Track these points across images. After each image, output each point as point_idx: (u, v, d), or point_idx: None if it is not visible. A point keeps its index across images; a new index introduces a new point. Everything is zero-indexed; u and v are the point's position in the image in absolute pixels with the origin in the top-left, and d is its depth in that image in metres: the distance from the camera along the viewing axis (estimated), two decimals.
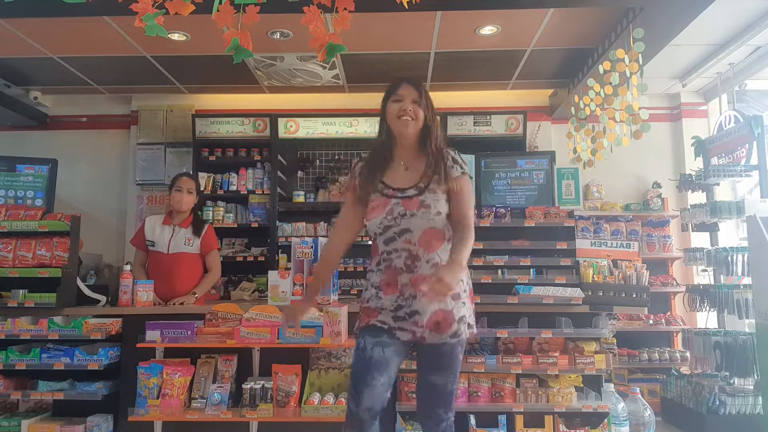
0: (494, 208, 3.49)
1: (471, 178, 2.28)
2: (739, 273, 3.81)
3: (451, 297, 2.03)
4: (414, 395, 3.13)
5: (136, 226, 5.13)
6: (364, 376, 2.02)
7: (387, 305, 2.07)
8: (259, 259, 5.14)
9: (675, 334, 4.84)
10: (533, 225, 3.40)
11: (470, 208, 2.17)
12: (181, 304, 3.44)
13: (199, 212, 3.99)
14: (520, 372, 3.13)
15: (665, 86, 5.32)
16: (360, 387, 2.02)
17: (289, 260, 3.35)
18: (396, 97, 2.16)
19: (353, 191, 2.20)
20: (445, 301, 2.02)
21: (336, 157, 5.68)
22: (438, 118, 2.22)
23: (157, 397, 2.95)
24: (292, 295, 3.18)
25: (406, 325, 2.04)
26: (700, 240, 4.82)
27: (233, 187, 5.26)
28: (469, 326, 2.10)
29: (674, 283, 4.99)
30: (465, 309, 2.09)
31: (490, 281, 3.30)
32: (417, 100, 2.15)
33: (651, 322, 4.77)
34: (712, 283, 4.16)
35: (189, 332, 3.08)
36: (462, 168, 2.17)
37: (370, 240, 2.22)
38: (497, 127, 5.29)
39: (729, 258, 3.87)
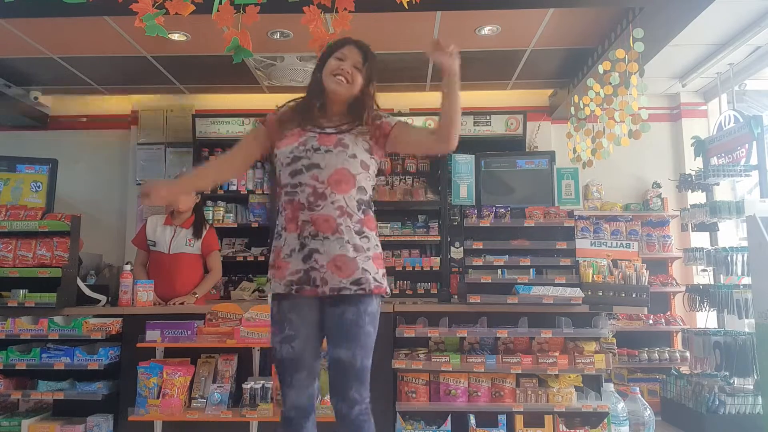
0: (494, 208, 3.48)
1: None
2: (739, 273, 3.81)
3: (353, 248, 1.93)
4: (413, 394, 3.15)
5: (136, 226, 5.13)
6: (282, 378, 1.99)
7: (292, 243, 1.95)
8: (259, 259, 5.13)
9: (675, 334, 4.85)
10: (533, 225, 3.40)
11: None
12: (182, 304, 3.45)
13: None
14: (519, 372, 3.13)
15: (665, 86, 5.32)
16: (282, 388, 2.01)
17: None
18: (339, 55, 2.05)
19: (269, 124, 2.12)
20: (347, 248, 1.92)
21: None
22: (374, 90, 2.10)
23: (157, 397, 2.95)
24: None
25: (309, 264, 1.93)
26: (699, 240, 4.82)
27: (233, 187, 5.24)
28: (376, 281, 1.95)
29: (674, 283, 4.99)
30: (369, 264, 1.95)
31: (490, 281, 3.30)
32: (359, 65, 2.04)
33: (651, 322, 4.77)
34: (712, 283, 4.16)
35: (189, 332, 3.09)
36: (396, 117, 2.11)
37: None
38: (497, 127, 5.29)
39: (729, 258, 3.87)
